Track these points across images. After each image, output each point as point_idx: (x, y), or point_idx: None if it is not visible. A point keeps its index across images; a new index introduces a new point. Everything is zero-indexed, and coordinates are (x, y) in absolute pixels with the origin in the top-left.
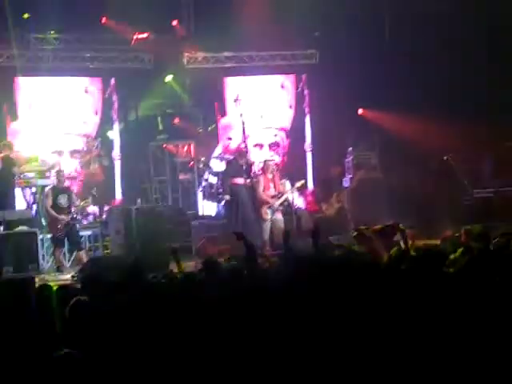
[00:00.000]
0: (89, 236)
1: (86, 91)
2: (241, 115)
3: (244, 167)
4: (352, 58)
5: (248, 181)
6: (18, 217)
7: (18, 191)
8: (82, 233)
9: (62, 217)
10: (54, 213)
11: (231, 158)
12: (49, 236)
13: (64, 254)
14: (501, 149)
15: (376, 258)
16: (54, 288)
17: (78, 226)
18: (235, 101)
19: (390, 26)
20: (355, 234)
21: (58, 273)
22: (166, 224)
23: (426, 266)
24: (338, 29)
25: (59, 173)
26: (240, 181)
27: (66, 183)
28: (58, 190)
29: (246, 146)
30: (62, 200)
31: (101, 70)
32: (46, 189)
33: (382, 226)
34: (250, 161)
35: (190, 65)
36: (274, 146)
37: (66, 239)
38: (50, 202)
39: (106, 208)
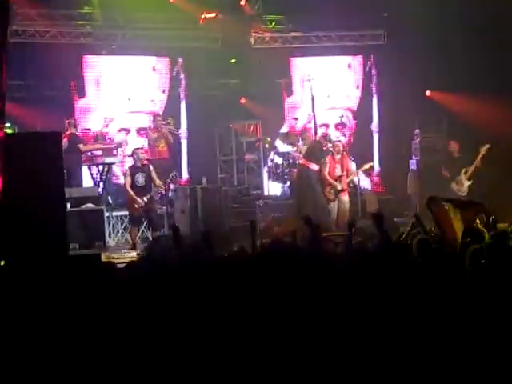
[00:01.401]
0: None
1: (154, 69)
2: (312, 96)
3: (325, 153)
4: (421, 38)
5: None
6: (84, 194)
7: (84, 169)
8: None
9: (139, 200)
10: (132, 193)
11: (316, 140)
12: (114, 214)
13: (143, 232)
14: None
15: (443, 229)
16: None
17: (156, 205)
18: (307, 80)
19: (460, 7)
20: (428, 200)
21: (126, 250)
22: (232, 203)
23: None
24: (407, 9)
25: (135, 151)
26: (314, 167)
27: (141, 162)
28: (135, 169)
29: (315, 127)
30: (140, 179)
31: (168, 49)
32: (126, 168)
33: (466, 201)
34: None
35: (257, 44)
36: (340, 126)
37: (143, 218)
38: (129, 181)
39: (171, 187)
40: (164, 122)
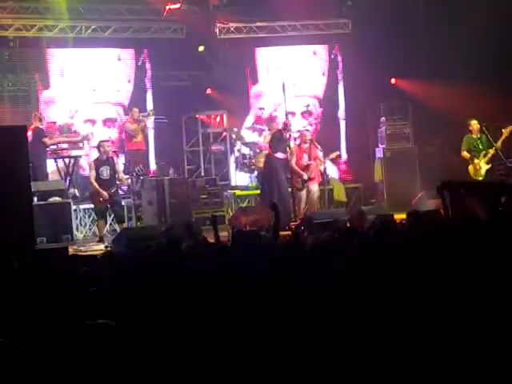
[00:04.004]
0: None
1: (119, 59)
2: (283, 84)
3: (287, 142)
4: (385, 26)
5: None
6: (51, 188)
7: (50, 162)
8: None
9: (104, 193)
10: (96, 186)
11: (276, 130)
12: (82, 207)
13: (110, 224)
14: None
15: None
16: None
17: (120, 198)
18: (276, 69)
19: None
20: (441, 184)
21: (94, 243)
22: (199, 194)
23: None
24: None
25: (101, 144)
26: (280, 155)
27: (107, 154)
28: (99, 162)
29: (286, 117)
30: (105, 172)
31: (133, 41)
32: (91, 161)
33: (481, 182)
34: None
35: (222, 35)
36: (306, 114)
37: (108, 211)
38: (93, 174)
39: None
40: (144, 114)
